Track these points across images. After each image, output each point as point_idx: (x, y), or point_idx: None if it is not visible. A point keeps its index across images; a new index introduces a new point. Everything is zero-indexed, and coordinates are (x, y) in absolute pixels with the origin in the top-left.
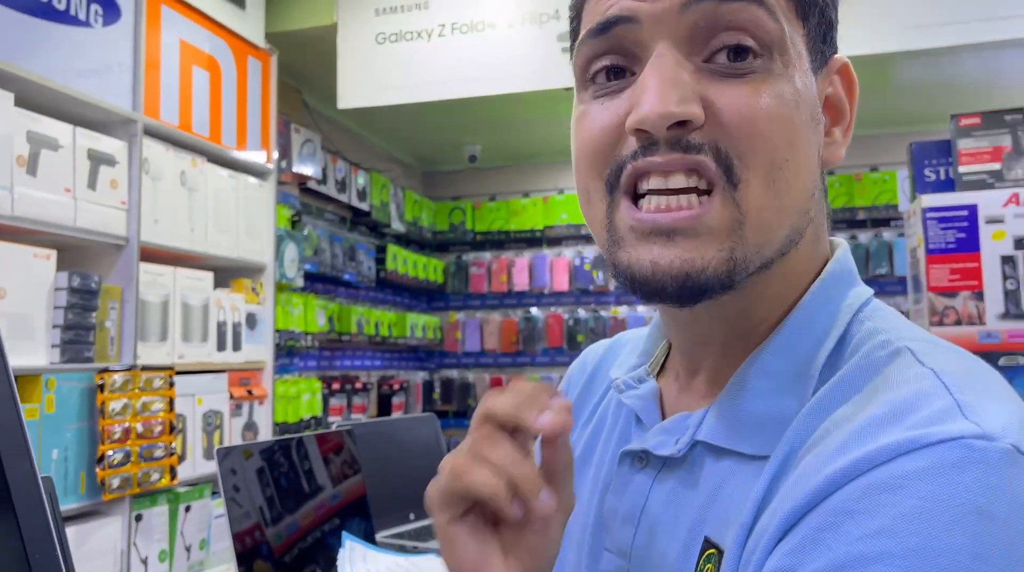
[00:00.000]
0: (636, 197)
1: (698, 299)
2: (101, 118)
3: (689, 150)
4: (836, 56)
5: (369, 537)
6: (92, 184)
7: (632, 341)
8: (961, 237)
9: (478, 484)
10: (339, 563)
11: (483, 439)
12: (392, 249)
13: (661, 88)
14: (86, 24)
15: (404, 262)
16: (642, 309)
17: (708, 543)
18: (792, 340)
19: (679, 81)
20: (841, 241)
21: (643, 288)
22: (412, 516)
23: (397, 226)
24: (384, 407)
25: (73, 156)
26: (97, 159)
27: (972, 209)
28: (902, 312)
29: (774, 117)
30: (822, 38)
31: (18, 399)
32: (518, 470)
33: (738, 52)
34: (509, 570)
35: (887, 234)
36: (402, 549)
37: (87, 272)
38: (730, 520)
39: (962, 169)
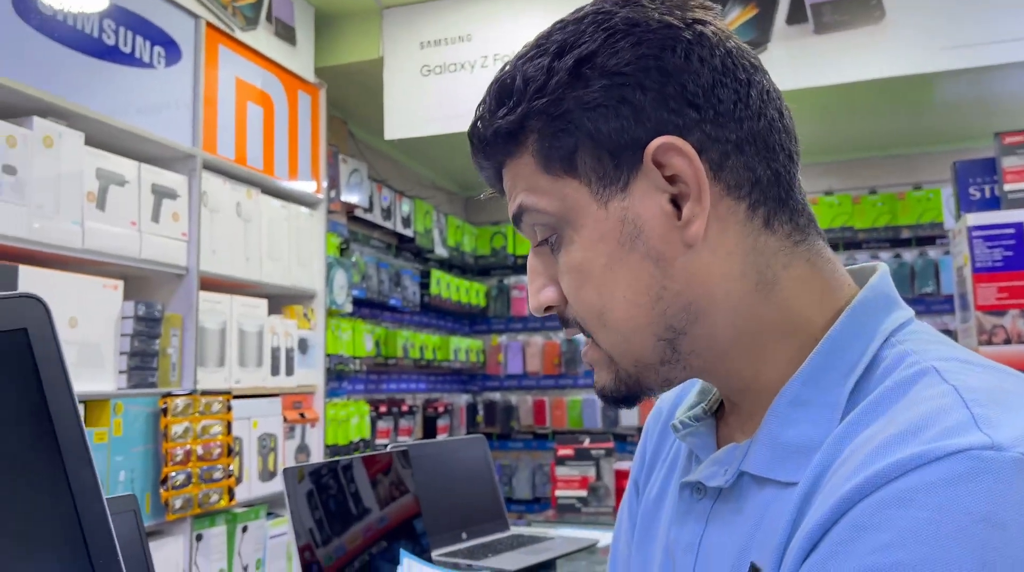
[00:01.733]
0: None
1: (630, 404)
2: (163, 154)
3: (564, 324)
4: (653, 143)
5: (424, 555)
6: (155, 217)
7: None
8: (1008, 255)
9: None
10: None
11: None
12: (436, 274)
13: (528, 287)
14: (150, 66)
15: (447, 287)
16: None
17: (753, 568)
18: (821, 370)
19: (536, 274)
20: (879, 265)
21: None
22: (464, 535)
23: (440, 251)
24: (429, 429)
25: (138, 191)
26: (160, 193)
27: (1019, 227)
28: (949, 331)
29: (578, 287)
30: (612, 154)
31: (83, 425)
32: None
33: (545, 239)
34: None
35: (933, 252)
36: (456, 567)
37: (151, 301)
38: (770, 544)
39: (1007, 187)
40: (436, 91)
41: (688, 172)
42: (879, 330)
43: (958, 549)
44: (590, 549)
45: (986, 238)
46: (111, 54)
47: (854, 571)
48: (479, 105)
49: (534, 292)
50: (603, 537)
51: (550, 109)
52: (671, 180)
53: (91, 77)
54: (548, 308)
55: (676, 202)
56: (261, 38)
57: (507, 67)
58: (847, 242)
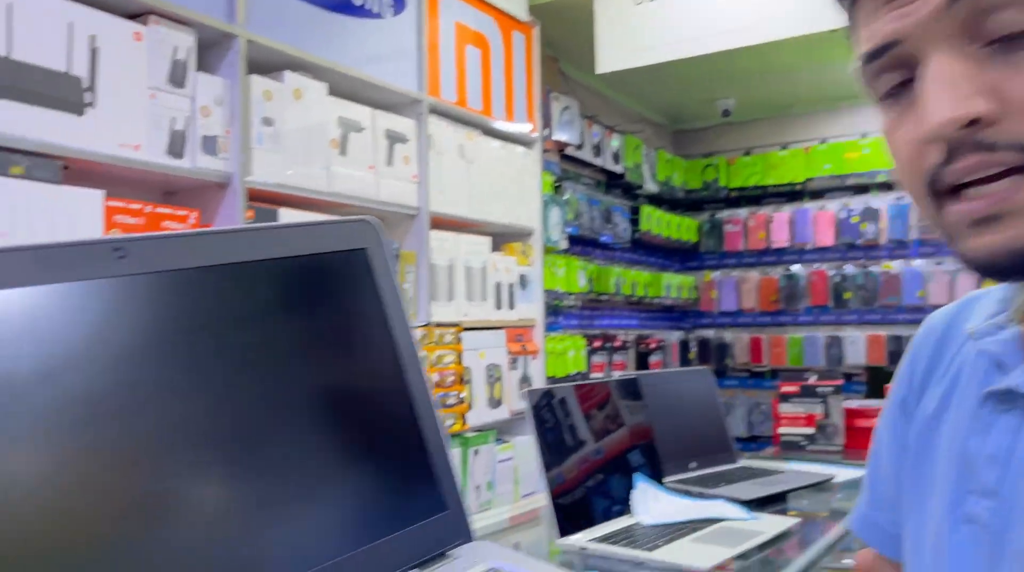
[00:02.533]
0: (958, 189)
1: None
2: (394, 100)
3: (982, 149)
4: None
5: (656, 481)
6: (389, 160)
7: (987, 295)
8: None
9: None
10: (632, 501)
11: None
12: (646, 210)
13: (936, 97)
14: (378, 16)
15: (658, 222)
16: (917, 263)
17: None
18: None
19: (955, 82)
20: None
21: (986, 274)
22: (694, 464)
23: (650, 187)
24: (642, 365)
25: (373, 136)
26: (393, 138)
27: None
28: None
29: None
30: None
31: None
32: None
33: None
34: None
35: None
36: (688, 494)
37: (389, 240)
38: None
39: None
40: (650, 19)
41: None
42: None
43: None
44: (824, 485)
45: None
46: (345, 7)
47: None
48: None
49: (955, 98)
50: (839, 473)
51: None
52: None
53: (329, 30)
54: (971, 123)
55: None
56: None
57: None
58: None
